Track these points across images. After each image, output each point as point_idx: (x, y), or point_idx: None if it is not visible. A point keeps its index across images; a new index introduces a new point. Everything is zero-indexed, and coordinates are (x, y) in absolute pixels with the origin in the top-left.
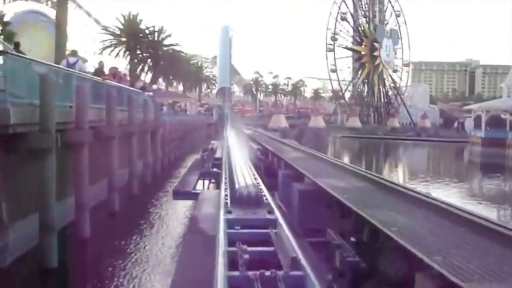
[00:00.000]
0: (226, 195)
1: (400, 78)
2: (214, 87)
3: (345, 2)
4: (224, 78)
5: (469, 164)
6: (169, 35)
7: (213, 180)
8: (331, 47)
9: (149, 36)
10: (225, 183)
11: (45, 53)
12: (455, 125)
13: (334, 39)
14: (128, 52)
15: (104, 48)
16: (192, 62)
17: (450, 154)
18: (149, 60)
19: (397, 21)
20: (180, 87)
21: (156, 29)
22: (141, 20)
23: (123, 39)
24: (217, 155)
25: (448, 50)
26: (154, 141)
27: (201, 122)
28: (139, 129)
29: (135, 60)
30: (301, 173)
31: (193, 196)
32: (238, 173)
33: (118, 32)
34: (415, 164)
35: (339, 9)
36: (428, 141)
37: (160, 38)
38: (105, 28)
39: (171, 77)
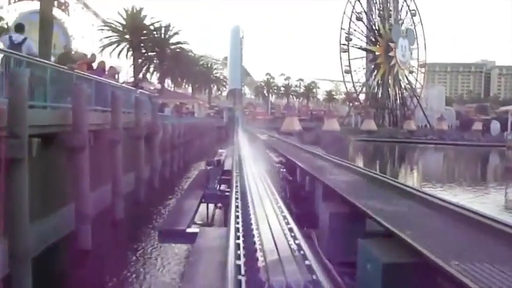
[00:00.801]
0: (238, 244)
1: (416, 80)
2: (224, 88)
3: (359, 1)
4: (235, 79)
5: None
6: (176, 33)
7: (219, 204)
8: (345, 47)
9: (154, 33)
10: (236, 215)
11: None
12: (476, 127)
13: (348, 39)
14: (131, 50)
15: (104, 46)
16: (201, 62)
17: (487, 160)
18: (155, 59)
19: (413, 20)
20: (189, 89)
21: (162, 26)
22: (145, 16)
23: (126, 36)
24: (226, 166)
25: (463, 51)
26: (152, 149)
27: (211, 125)
28: (129, 135)
29: (140, 60)
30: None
31: (188, 238)
32: (255, 202)
33: (120, 28)
34: (464, 174)
35: (353, 8)
36: (456, 146)
37: (167, 36)
38: (105, 23)
39: (179, 78)
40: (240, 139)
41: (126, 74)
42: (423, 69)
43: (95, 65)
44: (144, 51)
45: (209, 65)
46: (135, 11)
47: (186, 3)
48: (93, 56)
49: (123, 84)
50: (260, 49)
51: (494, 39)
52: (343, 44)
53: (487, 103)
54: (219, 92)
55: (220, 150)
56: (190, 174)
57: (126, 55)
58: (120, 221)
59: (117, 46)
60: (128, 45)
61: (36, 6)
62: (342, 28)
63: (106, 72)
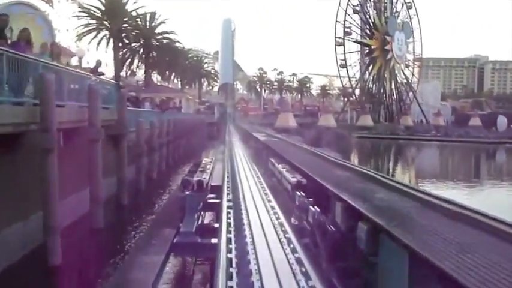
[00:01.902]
0: None
1: (413, 74)
2: (215, 83)
3: None
4: (226, 74)
5: None
6: (163, 22)
7: (199, 260)
8: (340, 41)
9: (138, 21)
10: None
11: (35, 47)
12: (474, 122)
13: (348, 33)
14: (111, 39)
15: (79, 36)
16: (190, 55)
17: None
18: (140, 51)
19: (409, 13)
20: (179, 84)
21: (148, 13)
22: (126, 1)
23: (105, 22)
24: (215, 179)
25: (456, 45)
26: (119, 154)
27: (200, 121)
28: (79, 138)
29: (123, 51)
30: None
31: None
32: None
33: (98, 14)
34: None
35: (349, 1)
36: (464, 143)
37: (153, 25)
38: (82, 8)
39: (167, 72)
40: (232, 139)
41: (106, 67)
42: (419, 63)
43: None
44: (127, 41)
45: (199, 58)
46: None
47: None
48: None
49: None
50: (252, 43)
51: (487, 34)
52: (338, 38)
53: (481, 98)
54: (210, 87)
55: (205, 160)
56: (174, 185)
57: (107, 45)
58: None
59: (96, 34)
60: (107, 34)
61: None
62: (337, 21)
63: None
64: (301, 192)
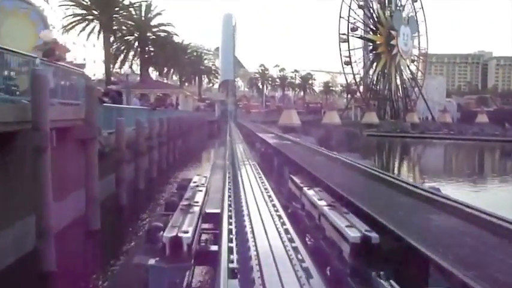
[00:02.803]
0: None
1: (418, 69)
2: (216, 80)
3: None
4: (227, 70)
5: None
6: (159, 13)
7: None
8: (345, 37)
9: (132, 11)
10: None
11: (31, 43)
12: (480, 119)
13: (354, 29)
14: (101, 31)
15: (65, 27)
16: (190, 50)
17: None
18: (136, 44)
19: (414, 6)
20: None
21: (142, 1)
22: None
23: (94, 11)
24: (212, 203)
25: (459, 41)
26: (87, 162)
27: (200, 120)
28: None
29: (116, 44)
30: None
31: None
32: None
33: (87, 3)
34: None
35: None
36: (483, 141)
37: (149, 16)
38: None
39: (165, 68)
40: (235, 140)
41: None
42: (424, 58)
43: None
44: (120, 33)
45: (199, 54)
46: None
47: None
48: None
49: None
50: (253, 40)
51: (491, 29)
52: (343, 34)
53: (486, 94)
54: (211, 84)
55: (196, 179)
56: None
57: (97, 37)
58: None
59: (86, 26)
60: (97, 25)
61: None
62: (341, 17)
63: None
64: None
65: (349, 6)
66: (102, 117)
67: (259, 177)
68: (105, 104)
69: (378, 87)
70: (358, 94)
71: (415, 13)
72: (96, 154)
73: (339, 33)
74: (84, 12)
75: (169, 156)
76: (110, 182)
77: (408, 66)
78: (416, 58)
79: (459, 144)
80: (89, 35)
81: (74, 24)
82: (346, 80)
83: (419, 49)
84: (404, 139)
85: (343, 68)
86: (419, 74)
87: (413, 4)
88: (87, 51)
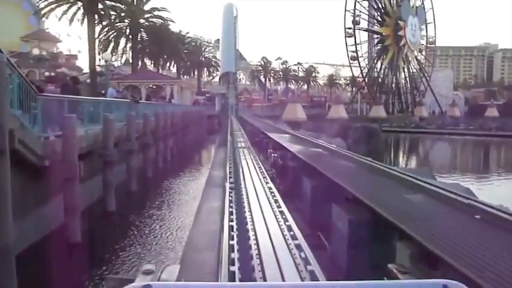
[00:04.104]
0: None
1: (426, 59)
2: (216, 73)
3: None
4: (228, 62)
5: None
6: None
7: None
8: (351, 31)
9: None
10: None
11: (21, 33)
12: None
13: (356, 22)
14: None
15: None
16: (188, 40)
17: None
18: (127, 31)
19: None
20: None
21: None
22: None
23: None
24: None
25: (464, 34)
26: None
27: (198, 114)
28: None
29: (104, 30)
30: None
31: None
32: None
33: None
34: None
35: None
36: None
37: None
38: None
39: (161, 59)
40: (237, 142)
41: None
42: (432, 46)
43: None
44: (107, 19)
45: (198, 44)
46: None
47: None
48: None
49: None
50: (255, 31)
51: (496, 21)
52: (349, 28)
53: (493, 87)
54: (211, 78)
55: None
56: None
57: (81, 23)
58: None
59: (68, 8)
60: (81, 8)
61: None
62: (346, 10)
63: None
64: None
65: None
66: (38, 113)
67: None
68: (44, 95)
69: (386, 80)
70: (365, 89)
71: (423, 1)
72: (7, 173)
73: (345, 28)
74: None
75: (159, 159)
76: (50, 213)
77: (416, 58)
78: (424, 48)
79: (487, 141)
80: (71, 20)
81: (53, 6)
82: (352, 73)
83: (426, 38)
84: (421, 135)
85: (349, 62)
86: (427, 64)
87: None
88: (83, 43)
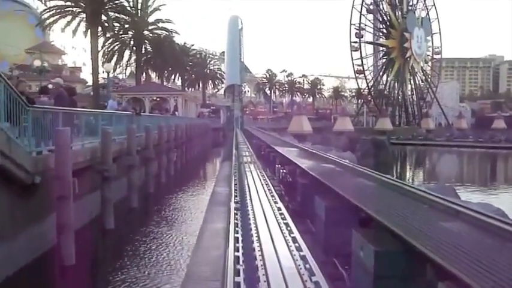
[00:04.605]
0: None
1: (432, 69)
2: (221, 85)
3: None
4: (233, 74)
5: None
6: (157, 9)
7: None
8: (356, 45)
9: (126, 4)
10: None
11: (28, 46)
12: (497, 125)
13: (359, 35)
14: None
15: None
16: (193, 52)
17: None
18: (131, 43)
19: (425, 4)
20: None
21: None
22: None
23: (82, 4)
24: None
25: (469, 45)
26: None
27: (203, 127)
28: None
29: (108, 43)
30: None
31: None
32: None
33: None
34: None
35: (363, 1)
36: None
37: (147, 11)
38: None
39: (165, 71)
40: (243, 158)
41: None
42: (438, 57)
43: None
44: (112, 31)
45: (203, 56)
46: None
47: None
48: None
49: None
50: (260, 44)
51: (502, 33)
52: (354, 42)
53: (500, 99)
54: (216, 90)
55: None
56: None
57: (85, 35)
58: None
59: (72, 19)
60: (83, 17)
61: None
62: (351, 24)
63: None
64: None
65: (360, 12)
66: (29, 126)
67: None
68: (35, 106)
69: (393, 93)
70: (371, 102)
71: (428, 11)
72: None
73: (350, 42)
74: (68, 3)
75: (161, 174)
76: (42, 234)
77: (422, 69)
78: (430, 58)
79: (497, 153)
80: (74, 31)
81: (56, 18)
82: (358, 86)
83: (432, 48)
84: (432, 147)
85: (355, 75)
86: (434, 75)
87: (425, 2)
88: (88, 56)
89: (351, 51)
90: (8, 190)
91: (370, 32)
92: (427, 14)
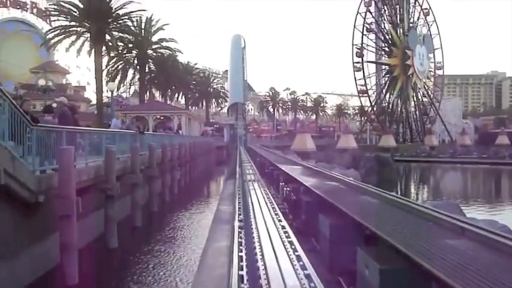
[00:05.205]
0: None
1: (435, 85)
2: (224, 104)
3: (370, 12)
4: (237, 92)
5: None
6: (161, 28)
7: None
8: (359, 65)
9: (130, 23)
10: None
11: (34, 65)
12: (501, 141)
13: (360, 54)
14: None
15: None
16: (196, 70)
17: None
18: (135, 62)
19: (426, 20)
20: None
21: (136, 11)
22: None
23: (85, 23)
24: None
25: (470, 62)
26: None
27: (206, 146)
28: None
29: (112, 62)
30: None
31: None
32: None
33: (75, 13)
34: None
35: (364, 20)
36: None
37: (151, 30)
38: (58, 5)
39: (169, 90)
40: (246, 180)
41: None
42: (440, 72)
43: None
44: (116, 50)
45: (206, 75)
46: None
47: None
48: None
49: None
50: (263, 62)
51: (503, 49)
52: (357, 62)
53: (503, 115)
54: (219, 108)
55: None
56: None
57: (89, 54)
58: None
59: (76, 39)
60: (88, 38)
61: (14, 14)
62: (353, 44)
63: None
64: None
65: (362, 32)
66: (33, 145)
67: None
68: (39, 125)
69: (396, 111)
70: (375, 120)
71: (429, 27)
72: None
73: (353, 62)
74: (72, 23)
75: (165, 193)
76: (45, 253)
77: (425, 85)
78: (432, 74)
79: (502, 170)
80: (79, 50)
81: (61, 37)
82: (361, 103)
83: (434, 63)
84: (435, 164)
85: (358, 94)
86: (436, 90)
87: (425, 18)
88: (92, 75)
89: (354, 71)
90: (12, 209)
91: (372, 52)
92: (429, 29)
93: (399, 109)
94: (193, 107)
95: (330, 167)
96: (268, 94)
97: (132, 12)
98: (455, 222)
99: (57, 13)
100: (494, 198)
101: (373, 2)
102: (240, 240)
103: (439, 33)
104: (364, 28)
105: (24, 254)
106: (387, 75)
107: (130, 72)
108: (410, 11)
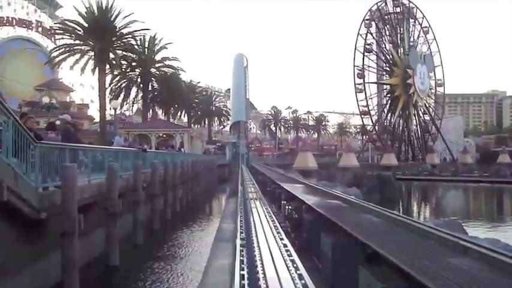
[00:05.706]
0: None
1: (436, 102)
2: (227, 122)
3: (370, 33)
4: (239, 111)
5: None
6: (164, 47)
7: None
8: (361, 87)
9: (133, 42)
10: None
11: (38, 83)
12: (503, 159)
13: (361, 76)
14: (97, 64)
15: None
16: (199, 89)
17: None
18: (138, 80)
19: (426, 38)
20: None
21: (139, 29)
22: (116, 15)
23: (89, 42)
24: None
25: (471, 81)
26: None
27: (208, 164)
28: None
29: (115, 80)
30: None
31: None
32: None
33: (79, 32)
34: None
35: (365, 41)
36: None
37: (154, 49)
38: (63, 24)
39: (172, 108)
40: (248, 198)
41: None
42: (441, 89)
43: None
44: (119, 68)
45: (209, 93)
46: (100, 4)
47: (188, 33)
48: None
49: None
50: (265, 81)
51: (503, 68)
52: (358, 84)
53: (504, 134)
54: (222, 127)
55: None
56: None
57: (93, 72)
58: None
59: (80, 57)
60: (92, 56)
61: (20, 32)
62: (355, 66)
63: None
64: None
65: (363, 54)
66: (36, 162)
67: None
68: (42, 142)
69: (398, 130)
70: (377, 140)
71: (429, 45)
72: None
73: (355, 84)
74: (77, 42)
75: (167, 210)
76: (47, 270)
77: (426, 104)
78: (432, 92)
79: (503, 188)
80: (83, 69)
81: (65, 56)
82: (363, 123)
83: (435, 80)
84: (437, 182)
85: (360, 115)
86: (437, 107)
87: (425, 36)
88: (96, 93)
89: (356, 92)
90: (14, 225)
91: (373, 72)
92: (429, 47)
93: (401, 128)
94: (196, 125)
95: (331, 185)
96: (270, 113)
97: (135, 31)
98: (458, 241)
99: (62, 32)
100: (496, 217)
101: (373, 23)
102: (241, 258)
103: (439, 50)
104: (365, 49)
105: (26, 271)
106: (388, 95)
107: (134, 90)
108: (410, 30)
